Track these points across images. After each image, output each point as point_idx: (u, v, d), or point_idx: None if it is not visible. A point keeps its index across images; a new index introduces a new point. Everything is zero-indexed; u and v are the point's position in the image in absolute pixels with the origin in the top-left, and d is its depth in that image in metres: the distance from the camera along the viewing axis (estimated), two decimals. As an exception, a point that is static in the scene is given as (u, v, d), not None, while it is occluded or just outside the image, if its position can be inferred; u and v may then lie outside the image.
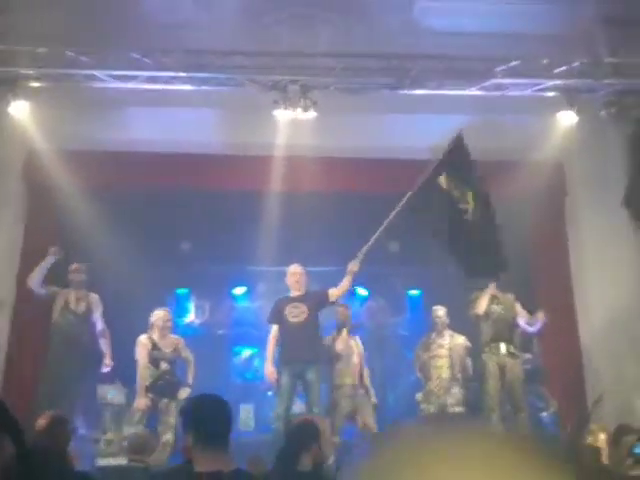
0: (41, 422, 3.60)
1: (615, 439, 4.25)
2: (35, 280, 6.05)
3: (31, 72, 5.90)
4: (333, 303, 6.20)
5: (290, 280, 6.15)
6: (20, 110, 6.12)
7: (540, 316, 6.18)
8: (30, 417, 4.17)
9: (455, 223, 5.64)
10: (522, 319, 6.35)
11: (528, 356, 6.83)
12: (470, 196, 5.61)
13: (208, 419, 2.10)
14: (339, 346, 6.19)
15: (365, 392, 6.20)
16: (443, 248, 5.90)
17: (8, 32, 5.97)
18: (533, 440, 0.67)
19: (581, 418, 6.10)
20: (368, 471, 0.64)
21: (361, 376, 6.22)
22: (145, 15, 5.94)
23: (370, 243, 5.77)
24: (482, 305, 6.13)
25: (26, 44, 5.82)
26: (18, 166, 6.66)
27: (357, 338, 6.50)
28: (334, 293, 6.09)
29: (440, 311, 6.57)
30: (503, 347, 6.09)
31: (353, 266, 5.90)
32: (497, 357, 6.08)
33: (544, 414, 6.56)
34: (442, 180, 5.60)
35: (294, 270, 6.15)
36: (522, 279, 7.00)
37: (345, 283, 6.01)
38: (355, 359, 6.22)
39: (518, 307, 6.34)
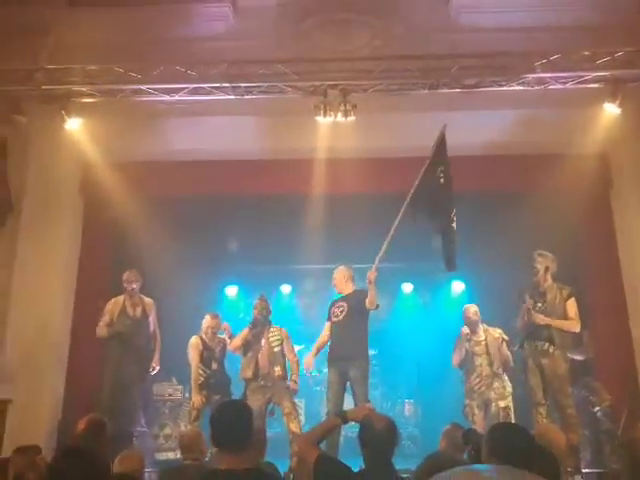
0: (80, 425, 3.72)
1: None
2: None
3: (83, 89, 6.14)
4: (371, 310, 6.14)
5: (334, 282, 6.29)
6: (74, 126, 6.38)
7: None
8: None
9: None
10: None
11: (578, 357, 6.67)
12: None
13: (217, 424, 2.39)
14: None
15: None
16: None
17: (60, 52, 6.25)
18: None
19: (633, 413, 6.00)
20: None
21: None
22: (187, 29, 6.12)
23: (382, 251, 5.79)
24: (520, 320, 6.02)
25: (77, 62, 6.07)
26: (75, 181, 6.97)
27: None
28: (368, 303, 6.02)
29: (470, 310, 6.47)
30: (539, 345, 5.95)
31: (371, 275, 5.90)
32: (533, 355, 5.97)
33: (597, 409, 6.46)
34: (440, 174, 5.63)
35: (334, 275, 6.27)
36: (571, 273, 6.90)
37: (371, 293, 5.95)
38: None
39: (570, 304, 5.99)
